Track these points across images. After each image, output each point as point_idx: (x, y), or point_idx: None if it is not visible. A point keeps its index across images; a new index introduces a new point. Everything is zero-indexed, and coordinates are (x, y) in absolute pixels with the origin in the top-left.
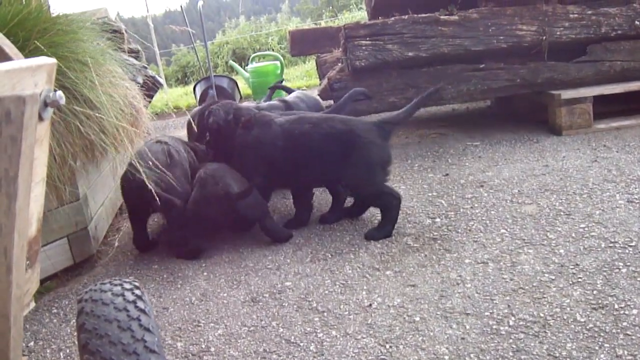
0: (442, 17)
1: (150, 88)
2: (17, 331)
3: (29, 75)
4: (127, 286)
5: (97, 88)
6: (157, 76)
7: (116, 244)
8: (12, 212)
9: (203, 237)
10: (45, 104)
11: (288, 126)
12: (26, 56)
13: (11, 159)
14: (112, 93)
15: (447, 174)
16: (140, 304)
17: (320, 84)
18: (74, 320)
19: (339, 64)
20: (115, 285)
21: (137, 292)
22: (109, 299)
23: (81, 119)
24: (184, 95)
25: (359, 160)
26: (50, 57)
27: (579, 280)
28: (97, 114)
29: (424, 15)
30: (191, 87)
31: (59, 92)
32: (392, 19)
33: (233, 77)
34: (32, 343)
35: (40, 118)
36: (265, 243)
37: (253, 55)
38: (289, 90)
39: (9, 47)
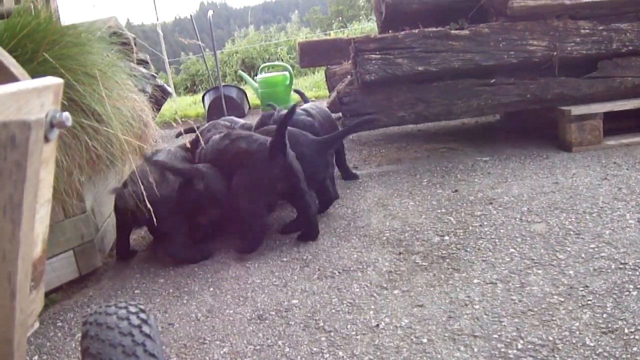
0: (452, 31)
1: (158, 99)
2: (20, 356)
3: (35, 97)
4: (133, 309)
5: (104, 101)
6: (165, 85)
7: None
8: (17, 238)
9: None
10: (52, 125)
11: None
12: (34, 68)
13: (16, 184)
14: (120, 106)
15: (456, 190)
16: (145, 328)
17: (329, 96)
18: (78, 335)
19: (348, 77)
20: (121, 308)
21: (143, 315)
22: (114, 322)
23: (88, 133)
24: (193, 105)
25: (238, 177)
26: (58, 69)
27: (589, 302)
28: (104, 128)
29: (434, 29)
30: (200, 96)
31: (66, 114)
32: (403, 33)
33: (242, 87)
34: (36, 357)
35: (46, 139)
36: (272, 259)
37: (262, 65)
38: (305, 99)
39: (15, 67)
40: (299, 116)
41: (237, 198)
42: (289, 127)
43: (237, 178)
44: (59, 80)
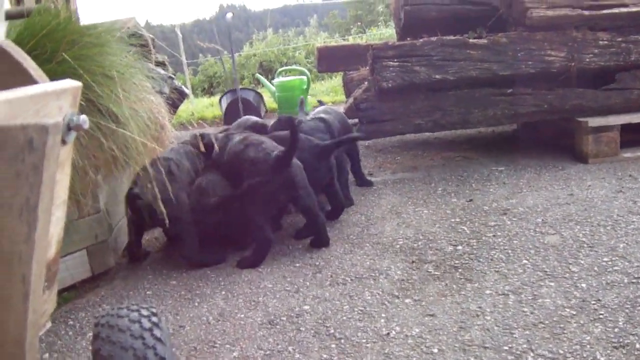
0: (471, 40)
1: (175, 100)
2: (31, 356)
3: (54, 100)
4: (145, 312)
5: (122, 103)
6: (183, 87)
7: None
8: (32, 240)
9: (212, 247)
10: (69, 128)
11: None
12: (53, 68)
13: (32, 187)
14: (137, 108)
15: (470, 200)
16: (156, 332)
17: (346, 102)
18: (89, 334)
19: (366, 83)
20: (133, 311)
21: (154, 319)
22: (126, 325)
23: (105, 133)
24: (210, 107)
25: (245, 186)
26: (76, 70)
27: (600, 316)
28: (121, 129)
29: (452, 37)
30: (217, 98)
31: (83, 117)
32: (421, 40)
33: (259, 90)
34: (46, 355)
35: (63, 142)
36: (285, 264)
37: (280, 69)
38: (322, 103)
39: (34, 70)
40: (308, 123)
41: (244, 207)
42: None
43: (243, 187)
44: (77, 83)
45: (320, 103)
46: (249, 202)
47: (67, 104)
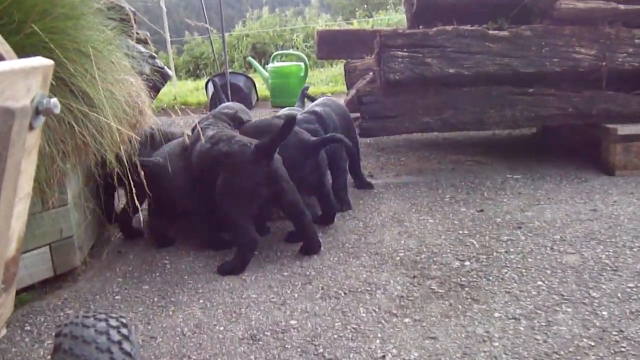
0: (490, 31)
1: (157, 82)
2: None
3: (22, 79)
4: (113, 323)
5: (97, 84)
6: (166, 68)
7: (104, 256)
8: None
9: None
10: (37, 112)
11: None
12: (21, 41)
13: None
14: (114, 90)
15: (481, 210)
16: (126, 345)
17: (347, 94)
18: (48, 341)
19: (370, 74)
20: (100, 320)
21: (124, 330)
22: (92, 337)
23: (76, 117)
24: (195, 91)
25: (219, 183)
26: (47, 44)
27: (622, 349)
28: (94, 113)
29: (470, 27)
30: (203, 82)
31: (54, 100)
32: (434, 29)
33: (251, 75)
34: None
35: (31, 127)
36: (271, 272)
37: (275, 53)
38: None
39: (1, 44)
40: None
41: (221, 206)
42: (273, 120)
43: (219, 184)
44: (49, 62)
45: (303, 91)
46: (228, 200)
47: (37, 85)
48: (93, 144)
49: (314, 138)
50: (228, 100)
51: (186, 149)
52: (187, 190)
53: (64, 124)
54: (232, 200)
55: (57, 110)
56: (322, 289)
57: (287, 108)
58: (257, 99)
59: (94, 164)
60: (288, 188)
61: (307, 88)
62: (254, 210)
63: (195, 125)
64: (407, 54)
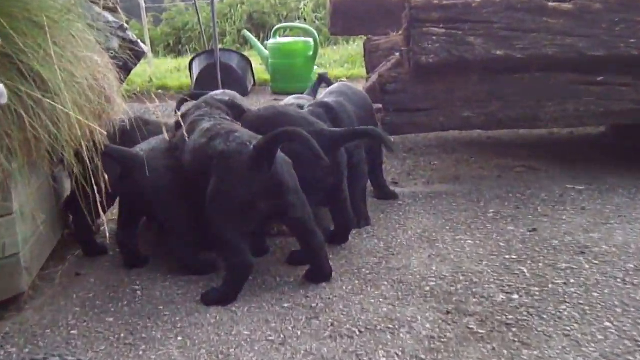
0: (550, 3)
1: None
2: None
3: None
4: None
5: (53, 63)
6: (139, 42)
7: (58, 279)
8: None
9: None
10: None
11: None
12: None
13: None
14: (74, 71)
15: (534, 229)
16: None
17: (367, 79)
18: None
19: (396, 55)
20: None
21: None
22: None
23: (26, 104)
24: (176, 71)
25: (210, 191)
26: None
27: None
28: (49, 100)
29: None
30: (186, 60)
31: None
32: (479, 0)
33: (246, 53)
34: None
35: None
36: (269, 303)
37: (277, 26)
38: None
39: None
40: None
41: (210, 220)
42: (282, 108)
43: (208, 192)
44: None
45: (322, 78)
46: (218, 213)
47: None
48: (46, 138)
49: (335, 129)
50: (219, 87)
51: (176, 147)
52: (170, 197)
53: (10, 113)
54: (223, 214)
55: (4, 100)
56: (332, 325)
57: (295, 96)
58: (254, 83)
59: (48, 163)
60: (296, 202)
61: (325, 75)
62: (251, 227)
63: (184, 115)
64: (443, 30)
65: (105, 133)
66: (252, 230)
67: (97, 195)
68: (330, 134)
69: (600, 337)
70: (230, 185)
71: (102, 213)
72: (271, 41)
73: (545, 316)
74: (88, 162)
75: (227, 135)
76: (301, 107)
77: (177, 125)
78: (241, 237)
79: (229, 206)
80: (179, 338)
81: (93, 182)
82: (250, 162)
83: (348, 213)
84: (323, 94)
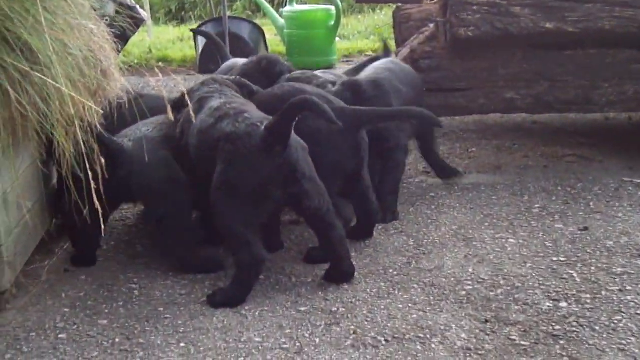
0: None
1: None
2: None
3: None
4: None
5: (43, 31)
6: (138, 7)
7: (44, 276)
8: None
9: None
10: None
11: None
12: None
13: None
14: (67, 41)
15: (585, 228)
16: None
17: (396, 54)
18: None
19: (431, 26)
20: None
21: None
22: None
23: (12, 78)
24: (178, 41)
25: (216, 177)
26: None
27: None
28: (38, 74)
29: None
30: (190, 28)
31: None
32: None
33: (258, 22)
34: None
35: None
36: (283, 306)
37: None
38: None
39: None
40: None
41: (216, 210)
42: (299, 86)
43: (214, 179)
44: None
45: (385, 52)
46: (225, 203)
47: None
48: (35, 116)
49: (359, 108)
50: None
51: (182, 131)
52: (164, 193)
53: None
54: (231, 203)
55: None
56: (355, 333)
57: (323, 70)
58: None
59: (36, 145)
60: (312, 189)
61: (387, 51)
62: (262, 218)
63: (190, 92)
64: (485, 0)
65: (101, 111)
66: (263, 221)
67: (92, 182)
68: (352, 112)
69: None
70: (239, 171)
71: (96, 201)
72: (287, 9)
73: (597, 327)
74: (82, 144)
75: (237, 116)
76: (332, 83)
77: (181, 103)
78: (251, 229)
79: (237, 194)
80: (182, 344)
81: (87, 166)
82: (261, 144)
83: (371, 204)
84: (365, 71)
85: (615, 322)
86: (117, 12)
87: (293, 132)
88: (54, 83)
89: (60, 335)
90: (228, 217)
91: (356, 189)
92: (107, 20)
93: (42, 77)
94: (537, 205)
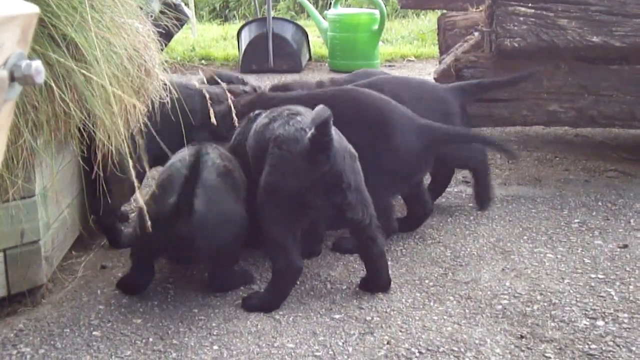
0: None
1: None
2: None
3: None
4: None
5: (89, 29)
6: (182, 5)
7: (81, 272)
8: None
9: None
10: (12, 79)
11: None
12: None
13: None
14: (114, 40)
15: (625, 245)
16: None
17: (440, 61)
18: None
19: (475, 34)
20: None
21: None
22: None
23: (57, 74)
24: (222, 40)
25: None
26: None
27: None
28: (83, 71)
29: None
30: (233, 27)
31: (37, 64)
32: None
33: (301, 23)
34: None
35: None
36: (317, 312)
37: None
38: None
39: None
40: None
41: (259, 213)
42: (378, 94)
43: (261, 181)
44: (32, 9)
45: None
46: (267, 207)
47: (13, 40)
48: (78, 113)
49: (439, 125)
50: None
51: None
52: (235, 246)
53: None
54: (273, 209)
55: (41, 79)
56: (388, 343)
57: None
58: (310, 58)
59: (78, 142)
60: (356, 201)
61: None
62: (303, 225)
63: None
64: (532, 11)
65: (146, 110)
66: (305, 228)
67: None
68: (431, 127)
69: None
70: (282, 176)
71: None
72: (331, 11)
73: (634, 348)
74: (124, 143)
75: (289, 118)
76: None
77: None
78: (290, 235)
79: (279, 199)
80: (215, 347)
81: (130, 165)
82: (306, 151)
83: (427, 201)
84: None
85: None
86: (162, 10)
87: (344, 139)
88: (98, 80)
89: (94, 332)
90: (269, 220)
91: (416, 188)
92: (151, 17)
93: (87, 74)
94: (576, 220)
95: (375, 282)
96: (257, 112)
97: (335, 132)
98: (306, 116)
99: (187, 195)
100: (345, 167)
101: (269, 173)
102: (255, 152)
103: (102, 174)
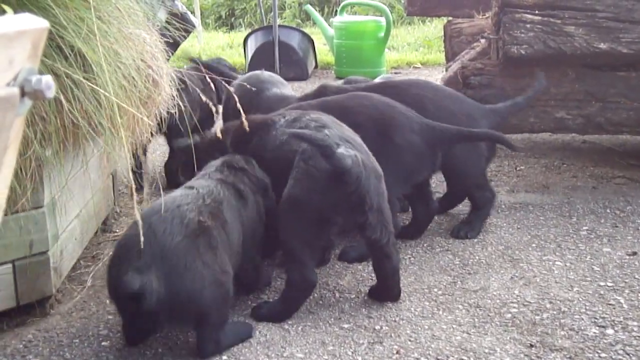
0: None
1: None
2: None
3: (2, 47)
4: None
5: (96, 40)
6: (189, 13)
7: (90, 282)
8: None
9: None
10: (22, 94)
11: None
12: None
13: None
14: (120, 50)
15: (634, 253)
16: None
17: (446, 69)
18: None
19: (482, 41)
20: None
21: None
22: None
23: (65, 86)
24: (228, 48)
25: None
26: None
27: None
28: (89, 83)
29: None
30: (240, 35)
31: (47, 78)
32: None
33: (307, 30)
34: None
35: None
36: (326, 322)
37: (345, 2)
38: None
39: None
40: None
41: (279, 224)
42: (379, 97)
43: (284, 192)
44: (42, 24)
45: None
46: (287, 219)
47: (23, 55)
48: (85, 125)
49: (442, 125)
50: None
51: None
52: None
53: None
54: (293, 220)
55: (51, 94)
56: (397, 353)
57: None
58: (316, 65)
59: (86, 152)
60: (376, 221)
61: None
62: (322, 240)
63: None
64: (539, 18)
65: (152, 123)
66: (323, 244)
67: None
68: (436, 128)
69: None
70: (306, 191)
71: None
72: (337, 19)
73: None
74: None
75: (317, 131)
76: None
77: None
78: (308, 249)
79: (301, 213)
80: (224, 356)
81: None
82: (332, 170)
83: (433, 201)
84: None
85: None
86: (168, 18)
87: (371, 157)
88: (105, 92)
89: (103, 343)
90: (289, 233)
91: (421, 186)
92: (158, 26)
93: (94, 86)
94: (585, 228)
95: (386, 292)
96: (276, 114)
97: (364, 150)
98: (333, 130)
99: (139, 278)
100: (370, 189)
101: (293, 186)
102: (279, 164)
103: None
